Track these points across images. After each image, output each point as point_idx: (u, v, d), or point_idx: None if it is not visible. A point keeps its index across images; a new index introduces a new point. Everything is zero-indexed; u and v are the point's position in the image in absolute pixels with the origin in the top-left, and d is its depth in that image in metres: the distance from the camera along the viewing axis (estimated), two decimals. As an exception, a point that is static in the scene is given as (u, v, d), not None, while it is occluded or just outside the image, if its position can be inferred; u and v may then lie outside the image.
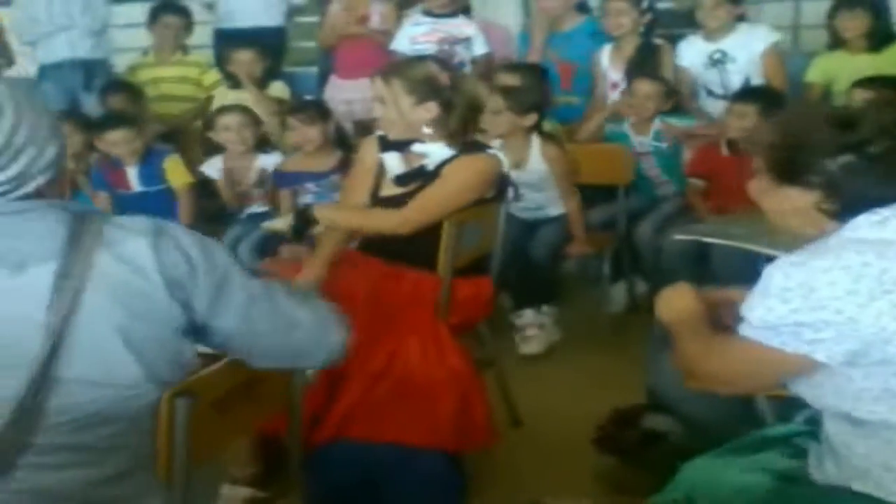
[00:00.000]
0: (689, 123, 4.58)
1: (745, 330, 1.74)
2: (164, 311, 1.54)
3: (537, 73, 4.57)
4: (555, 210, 4.21)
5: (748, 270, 3.48)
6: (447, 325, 2.91)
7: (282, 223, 3.31)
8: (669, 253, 3.98)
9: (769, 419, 2.13)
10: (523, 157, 4.05)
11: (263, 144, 4.54)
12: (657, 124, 4.50)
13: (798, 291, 1.63)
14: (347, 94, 5.16)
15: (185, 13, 5.55)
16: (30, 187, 1.54)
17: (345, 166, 4.25)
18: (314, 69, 5.81)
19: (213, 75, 5.42)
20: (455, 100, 2.97)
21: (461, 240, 2.98)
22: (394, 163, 3.08)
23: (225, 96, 5.08)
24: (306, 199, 4.28)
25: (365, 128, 4.75)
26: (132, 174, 4.48)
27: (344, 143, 4.44)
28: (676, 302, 2.03)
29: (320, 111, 4.36)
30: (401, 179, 3.06)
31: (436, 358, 2.78)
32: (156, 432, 1.63)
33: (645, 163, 4.53)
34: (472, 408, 2.81)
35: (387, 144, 3.08)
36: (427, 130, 2.98)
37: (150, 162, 4.48)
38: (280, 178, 4.39)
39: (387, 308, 2.86)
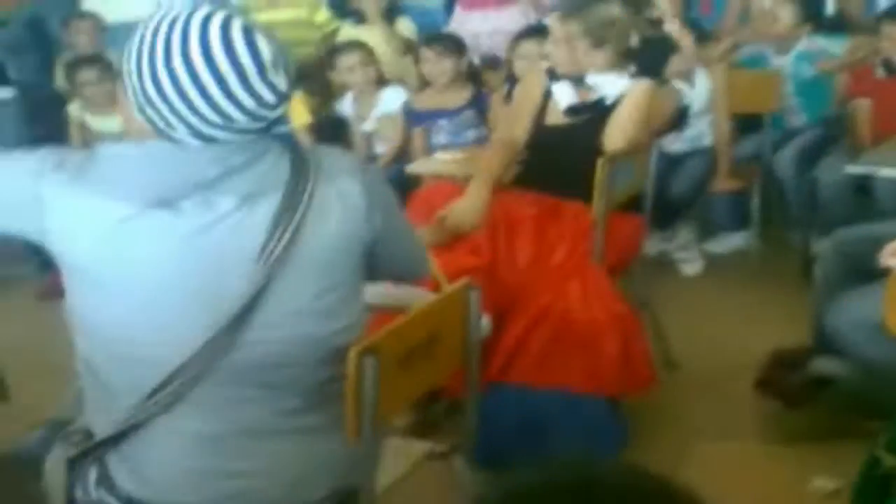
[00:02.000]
0: (841, 43, 4.33)
1: None
2: (360, 250, 1.63)
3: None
4: (706, 140, 4.05)
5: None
6: (603, 264, 2.82)
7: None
8: (825, 186, 3.78)
9: None
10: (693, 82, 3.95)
11: (382, 82, 4.45)
12: (802, 45, 4.26)
13: None
14: (473, 27, 5.00)
15: None
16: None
17: (478, 102, 4.15)
18: (437, 1, 5.67)
19: (324, 13, 5.33)
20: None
21: (615, 177, 2.87)
22: (565, 94, 3.03)
23: (349, 34, 4.98)
24: (439, 137, 4.19)
25: (493, 61, 4.63)
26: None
27: (475, 77, 4.31)
28: None
29: (455, 44, 4.24)
30: (573, 110, 3.01)
31: (596, 301, 2.70)
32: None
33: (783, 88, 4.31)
34: (632, 351, 2.73)
35: (556, 75, 3.03)
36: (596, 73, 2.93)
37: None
38: (412, 116, 4.29)
39: (550, 242, 2.80)
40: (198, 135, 1.52)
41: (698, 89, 4.00)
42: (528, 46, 3.95)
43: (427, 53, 4.20)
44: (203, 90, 1.47)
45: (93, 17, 5.22)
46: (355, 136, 4.49)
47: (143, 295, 1.52)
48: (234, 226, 1.52)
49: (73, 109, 4.73)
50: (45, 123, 4.86)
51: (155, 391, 1.52)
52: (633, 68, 2.97)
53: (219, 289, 1.51)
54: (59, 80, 5.03)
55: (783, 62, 4.33)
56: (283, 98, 1.54)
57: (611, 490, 0.83)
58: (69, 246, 1.54)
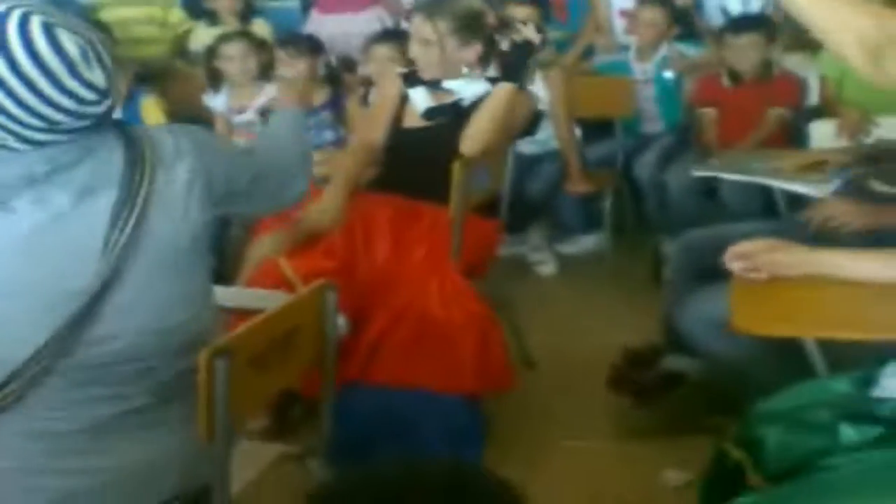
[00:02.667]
0: (699, 52, 4.48)
1: None
2: (203, 226, 1.63)
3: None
4: (555, 144, 4.12)
5: (759, 204, 3.50)
6: (460, 266, 2.83)
7: None
8: (675, 188, 3.90)
9: (820, 368, 2.04)
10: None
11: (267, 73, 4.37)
12: (664, 50, 4.39)
13: None
14: (329, 29, 4.98)
15: None
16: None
17: (335, 103, 4.12)
18: (293, 3, 5.61)
19: (178, 13, 5.20)
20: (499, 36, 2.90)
21: (471, 179, 2.89)
22: (421, 98, 3.04)
23: (203, 34, 4.88)
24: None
25: (347, 63, 4.61)
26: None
27: (334, 80, 4.28)
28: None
29: (310, 45, 4.19)
30: (431, 113, 3.01)
31: (454, 301, 2.71)
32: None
33: (642, 93, 4.43)
34: (490, 350, 2.75)
35: (413, 80, 3.03)
36: (465, 70, 2.94)
37: (131, 105, 4.31)
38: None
39: (407, 243, 2.81)
40: (25, 140, 1.48)
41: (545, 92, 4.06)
42: (382, 50, 3.95)
43: (282, 54, 4.15)
44: (15, 97, 1.43)
45: None
46: (219, 130, 4.37)
47: None
48: (72, 222, 1.49)
49: None
50: None
51: None
52: (492, 71, 3.00)
53: (61, 286, 1.48)
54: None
55: (645, 68, 4.44)
56: (103, 93, 1.51)
57: (432, 485, 0.84)
58: None
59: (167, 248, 1.56)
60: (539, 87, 4.01)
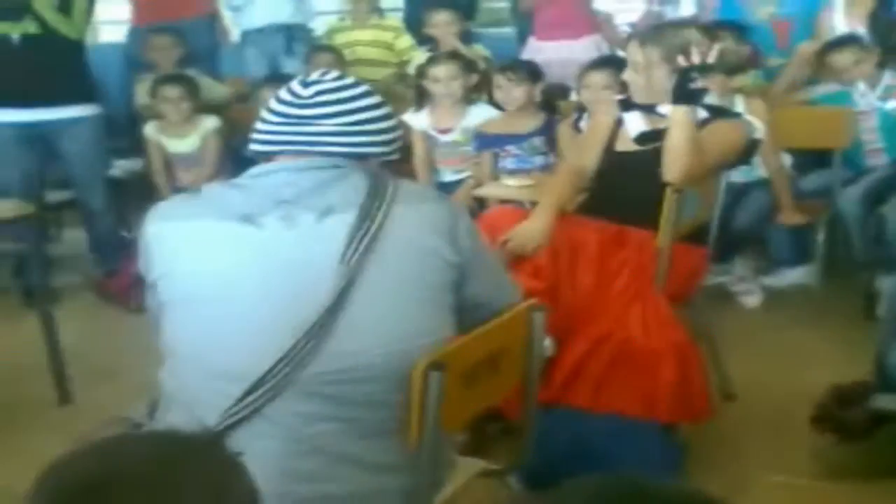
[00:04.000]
0: None
1: None
2: (446, 269, 1.70)
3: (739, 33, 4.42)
4: (763, 173, 4.06)
5: None
6: (665, 293, 2.85)
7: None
8: (891, 223, 3.76)
9: None
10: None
11: (473, 97, 4.50)
12: (888, 79, 4.25)
13: None
14: (546, 56, 5.08)
15: None
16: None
17: (548, 129, 4.20)
18: (507, 30, 5.75)
19: (407, 39, 5.44)
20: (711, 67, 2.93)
21: (682, 207, 2.90)
22: (635, 122, 3.08)
23: (422, 58, 5.07)
24: (507, 162, 4.25)
25: (562, 89, 4.69)
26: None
27: (547, 105, 4.36)
28: None
29: (530, 71, 4.30)
30: (644, 137, 3.05)
31: (656, 329, 2.72)
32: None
33: (863, 124, 4.28)
34: (690, 380, 2.74)
35: (628, 105, 3.08)
36: None
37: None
38: (481, 140, 4.36)
39: (612, 267, 2.83)
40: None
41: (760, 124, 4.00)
42: (597, 77, 4.02)
43: (501, 80, 4.27)
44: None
45: (173, 36, 5.35)
46: (417, 148, 4.53)
47: (229, 305, 1.61)
48: (313, 236, 1.62)
49: (149, 130, 4.84)
50: (122, 141, 5.00)
51: (235, 403, 1.57)
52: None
53: (300, 296, 1.59)
54: (140, 98, 5.15)
55: (870, 98, 4.31)
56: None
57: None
58: (169, 275, 1.67)
59: (402, 269, 1.65)
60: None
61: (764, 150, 3.93)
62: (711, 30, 4.30)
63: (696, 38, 2.95)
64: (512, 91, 4.21)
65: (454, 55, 4.58)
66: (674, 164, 2.87)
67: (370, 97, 1.75)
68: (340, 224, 1.62)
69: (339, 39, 5.55)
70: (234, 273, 1.62)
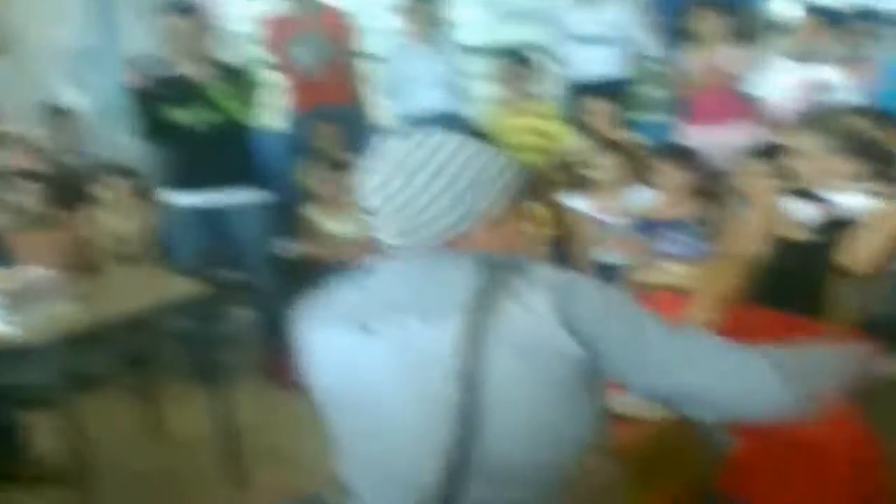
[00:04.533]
0: None
1: None
2: (568, 362, 1.56)
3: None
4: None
5: None
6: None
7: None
8: None
9: None
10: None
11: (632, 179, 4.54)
12: None
13: None
14: (700, 140, 5.07)
15: (530, 63, 5.65)
16: (436, 241, 1.64)
17: (707, 215, 4.19)
18: (661, 117, 5.77)
19: (558, 125, 5.51)
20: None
21: (851, 296, 2.86)
22: (800, 209, 3.09)
23: (580, 145, 5.14)
24: (664, 247, 4.24)
25: (718, 175, 4.67)
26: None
27: (706, 191, 4.36)
28: None
29: (688, 156, 4.32)
30: (810, 226, 3.06)
31: (830, 418, 2.65)
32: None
33: None
34: (866, 478, 2.66)
35: (793, 191, 3.10)
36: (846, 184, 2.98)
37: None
38: (640, 225, 4.37)
39: None
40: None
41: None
42: (757, 164, 3.99)
43: (660, 165, 4.29)
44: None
45: (337, 122, 5.53)
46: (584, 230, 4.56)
47: (375, 420, 1.63)
48: (425, 341, 1.58)
49: (310, 211, 5.03)
50: (289, 223, 5.20)
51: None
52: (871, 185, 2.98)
53: (431, 404, 1.57)
54: (309, 182, 5.33)
55: None
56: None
57: None
58: (316, 384, 1.71)
59: (515, 370, 1.55)
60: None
61: None
62: (881, 117, 4.30)
63: (865, 125, 2.93)
64: (670, 176, 4.23)
65: (614, 143, 4.63)
66: (869, 254, 2.84)
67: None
68: (449, 327, 1.57)
69: (495, 125, 5.64)
70: (369, 384, 1.63)
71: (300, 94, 5.86)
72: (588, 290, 1.61)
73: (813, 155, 3.00)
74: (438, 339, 1.56)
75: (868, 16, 5.27)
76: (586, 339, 1.56)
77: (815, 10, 5.07)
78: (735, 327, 2.85)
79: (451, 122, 5.60)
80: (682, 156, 4.32)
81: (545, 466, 1.59)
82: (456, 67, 5.80)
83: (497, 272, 1.60)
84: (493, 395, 1.54)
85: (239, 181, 4.64)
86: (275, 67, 5.83)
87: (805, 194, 3.08)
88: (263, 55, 5.86)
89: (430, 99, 5.67)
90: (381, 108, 6.13)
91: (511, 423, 1.56)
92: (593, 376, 1.60)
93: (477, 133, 5.44)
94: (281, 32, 5.80)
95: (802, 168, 3.04)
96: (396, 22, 5.80)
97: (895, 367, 3.85)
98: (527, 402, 1.56)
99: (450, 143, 1.65)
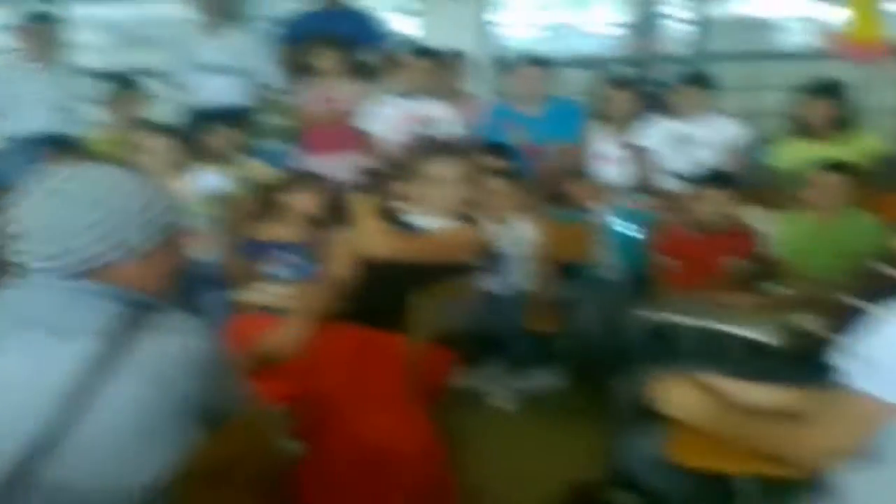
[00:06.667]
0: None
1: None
2: (183, 404, 1.65)
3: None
4: (525, 283, 4.28)
5: (710, 348, 3.60)
6: (415, 396, 2.92)
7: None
8: (630, 331, 3.99)
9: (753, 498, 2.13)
10: (512, 230, 4.23)
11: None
12: (626, 201, 4.57)
13: None
14: (317, 170, 5.18)
15: (137, 88, 5.52)
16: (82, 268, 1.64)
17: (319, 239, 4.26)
18: (280, 144, 5.84)
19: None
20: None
21: (433, 313, 3.02)
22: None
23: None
24: (279, 270, 4.27)
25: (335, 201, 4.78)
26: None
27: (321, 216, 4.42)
28: (682, 397, 2.14)
29: (317, 181, 4.39)
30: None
31: (406, 432, 2.78)
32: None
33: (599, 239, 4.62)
34: (439, 483, 2.80)
35: (385, 216, 3.28)
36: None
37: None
38: (251, 246, 4.37)
39: (364, 372, 2.90)
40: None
41: (518, 236, 4.25)
42: (363, 191, 4.15)
43: (289, 192, 4.36)
44: None
45: None
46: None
47: None
48: (43, 362, 1.59)
49: None
50: None
51: None
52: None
53: (16, 422, 1.56)
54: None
55: (604, 217, 4.62)
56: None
57: None
58: None
59: (130, 408, 1.60)
60: (522, 230, 4.23)
61: (539, 263, 4.27)
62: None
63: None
64: (303, 201, 4.30)
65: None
66: (376, 240, 3.12)
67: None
68: (75, 351, 1.59)
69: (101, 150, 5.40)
70: None
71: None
72: (214, 350, 1.75)
73: (438, 183, 3.23)
74: (60, 357, 1.58)
75: (460, 55, 5.66)
76: (195, 391, 1.68)
77: (420, 52, 5.36)
78: (321, 342, 2.93)
79: (58, 143, 5.35)
80: (309, 180, 4.39)
81: (115, 493, 1.60)
82: (69, 90, 5.59)
83: (137, 306, 1.66)
84: (97, 420, 1.56)
85: None
86: None
87: (392, 217, 3.27)
88: None
89: (38, 120, 5.44)
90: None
91: (102, 450, 1.58)
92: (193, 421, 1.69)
93: (85, 155, 5.24)
94: None
95: (403, 193, 3.26)
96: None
97: (470, 380, 4.14)
98: (135, 431, 1.60)
99: (109, 176, 1.70)
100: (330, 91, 5.41)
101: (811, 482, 1.89)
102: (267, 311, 3.52)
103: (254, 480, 1.95)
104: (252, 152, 5.35)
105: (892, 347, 1.75)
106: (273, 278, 4.16)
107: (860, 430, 1.80)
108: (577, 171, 4.94)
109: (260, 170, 5.16)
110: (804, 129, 4.81)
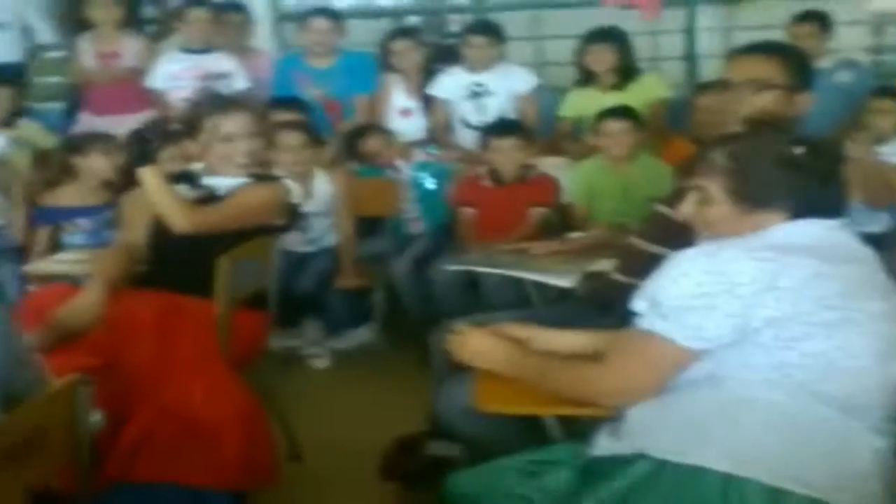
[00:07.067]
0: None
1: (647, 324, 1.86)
2: None
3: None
4: (329, 240, 4.25)
5: (517, 297, 3.71)
6: (228, 360, 2.87)
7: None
8: (438, 283, 4.06)
9: (558, 438, 2.21)
10: (312, 186, 4.19)
11: None
12: (421, 155, 4.62)
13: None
14: (99, 130, 4.96)
15: None
16: None
17: (116, 203, 4.11)
18: (58, 105, 5.56)
19: None
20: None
21: (237, 275, 2.96)
22: (183, 192, 3.13)
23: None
24: (74, 237, 4.09)
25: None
26: None
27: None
28: (480, 347, 2.18)
29: (110, 142, 4.21)
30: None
31: (220, 396, 2.73)
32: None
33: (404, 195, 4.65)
34: (256, 446, 2.77)
35: (177, 177, 3.15)
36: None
37: None
38: (41, 214, 4.16)
39: (173, 338, 2.81)
40: None
41: (319, 192, 4.22)
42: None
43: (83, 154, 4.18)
44: None
45: None
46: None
47: None
48: None
49: None
50: None
51: None
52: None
53: None
54: None
55: (406, 171, 4.64)
56: None
57: None
58: None
59: None
60: (321, 185, 4.20)
61: (340, 218, 4.22)
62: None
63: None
64: (97, 164, 4.13)
65: None
66: (175, 218, 2.99)
67: None
68: None
69: None
70: None
71: None
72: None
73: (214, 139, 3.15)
74: None
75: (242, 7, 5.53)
76: None
77: (197, 2, 5.18)
78: (123, 310, 2.83)
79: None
80: (102, 143, 4.21)
81: None
82: None
83: None
84: None
85: None
86: None
87: (184, 177, 3.17)
88: None
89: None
90: None
91: None
92: None
93: None
94: None
95: (194, 151, 3.14)
96: None
97: (286, 341, 4.12)
98: None
99: None
100: (109, 46, 5.18)
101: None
102: (64, 280, 3.36)
103: (58, 455, 1.88)
104: (28, 114, 5.08)
105: (679, 290, 1.83)
106: (68, 246, 4.00)
107: (654, 371, 1.87)
108: (374, 125, 4.94)
109: (37, 132, 4.92)
110: (589, 78, 4.96)
